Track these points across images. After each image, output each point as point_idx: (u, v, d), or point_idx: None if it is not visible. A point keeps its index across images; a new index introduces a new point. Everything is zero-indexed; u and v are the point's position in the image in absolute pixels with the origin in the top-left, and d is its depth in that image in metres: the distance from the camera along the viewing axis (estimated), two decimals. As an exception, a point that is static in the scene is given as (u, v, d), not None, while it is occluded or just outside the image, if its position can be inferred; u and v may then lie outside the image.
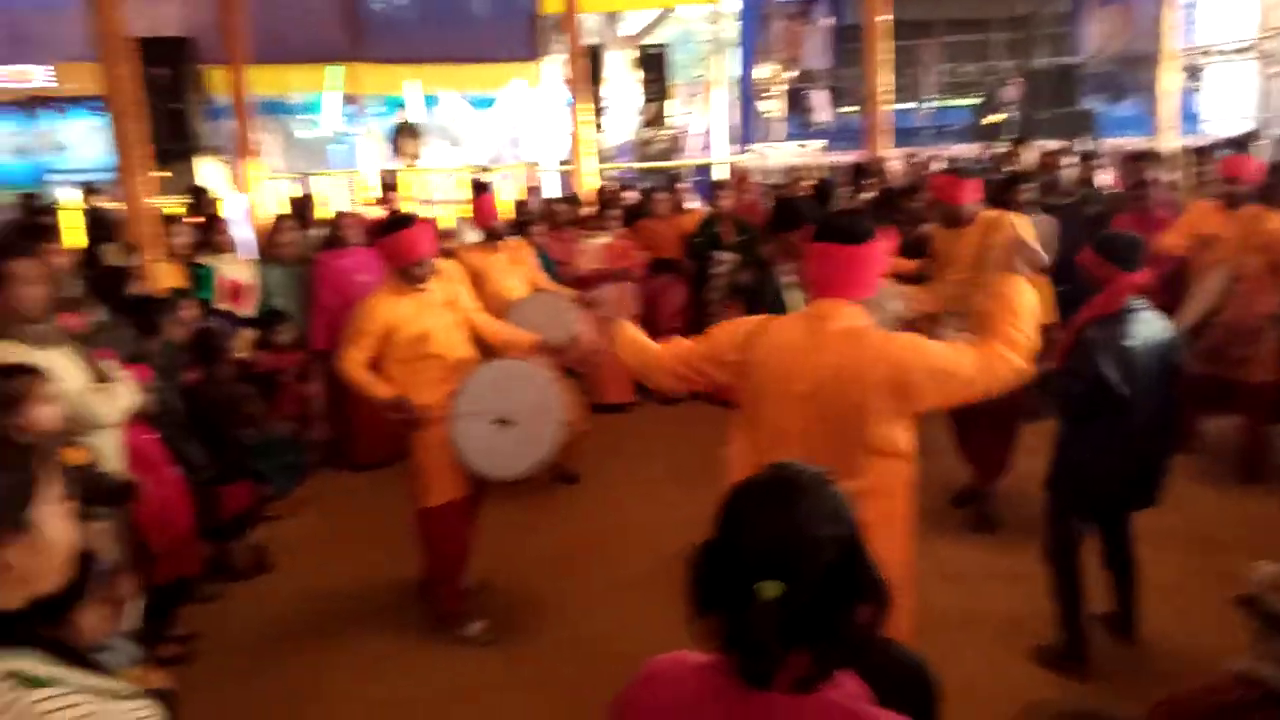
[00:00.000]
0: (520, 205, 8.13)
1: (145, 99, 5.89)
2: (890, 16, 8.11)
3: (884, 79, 8.22)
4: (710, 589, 1.20)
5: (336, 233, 6.16)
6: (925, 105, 14.75)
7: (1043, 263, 3.82)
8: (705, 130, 14.91)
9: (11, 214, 9.31)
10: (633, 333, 2.85)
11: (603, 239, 6.97)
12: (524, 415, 3.84)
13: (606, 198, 7.66)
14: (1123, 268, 3.20)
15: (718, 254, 6.82)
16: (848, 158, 11.70)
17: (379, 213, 7.90)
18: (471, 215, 6.38)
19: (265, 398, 5.34)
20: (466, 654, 3.84)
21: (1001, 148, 9.33)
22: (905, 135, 13.26)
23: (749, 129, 14.75)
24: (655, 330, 7.00)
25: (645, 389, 7.37)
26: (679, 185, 8.07)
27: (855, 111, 15.93)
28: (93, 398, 3.13)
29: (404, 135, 12.81)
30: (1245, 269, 4.82)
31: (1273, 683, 2.15)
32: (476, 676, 3.67)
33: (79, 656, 1.26)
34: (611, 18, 15.09)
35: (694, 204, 8.18)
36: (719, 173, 11.81)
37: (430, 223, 4.22)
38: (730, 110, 14.82)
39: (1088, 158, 7.64)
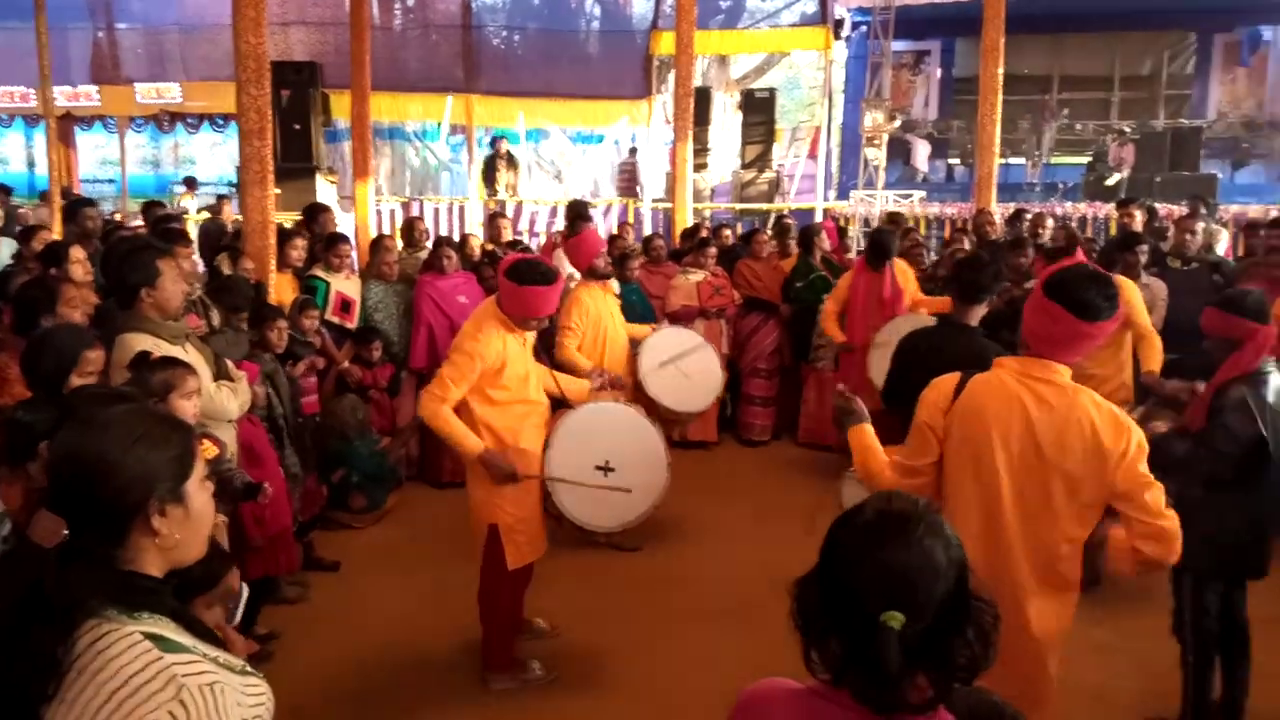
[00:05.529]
0: (615, 240, 8.22)
1: (272, 119, 6.11)
2: (1002, 70, 8.01)
3: (995, 133, 8.09)
4: (826, 618, 1.22)
5: (437, 258, 6.18)
6: (1036, 161, 14.47)
7: None
8: (804, 175, 14.92)
9: (138, 220, 9.86)
10: (870, 439, 2.60)
11: (697, 276, 6.98)
12: (625, 461, 3.72)
13: (703, 236, 7.69)
14: (1259, 321, 3.10)
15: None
16: (949, 209, 11.59)
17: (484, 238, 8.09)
18: (567, 250, 5.72)
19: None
20: (542, 695, 3.71)
21: (1115, 208, 9.11)
22: (1011, 191, 13.02)
23: (850, 175, 14.73)
24: (743, 370, 7.09)
25: (729, 427, 7.34)
26: (785, 224, 7.99)
27: (957, 164, 15.87)
28: (221, 393, 3.27)
29: (497, 166, 13.10)
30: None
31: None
32: (557, 716, 3.58)
33: (204, 629, 1.31)
34: (723, 61, 15.28)
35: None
36: (819, 218, 11.79)
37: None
38: (831, 156, 14.82)
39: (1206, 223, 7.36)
